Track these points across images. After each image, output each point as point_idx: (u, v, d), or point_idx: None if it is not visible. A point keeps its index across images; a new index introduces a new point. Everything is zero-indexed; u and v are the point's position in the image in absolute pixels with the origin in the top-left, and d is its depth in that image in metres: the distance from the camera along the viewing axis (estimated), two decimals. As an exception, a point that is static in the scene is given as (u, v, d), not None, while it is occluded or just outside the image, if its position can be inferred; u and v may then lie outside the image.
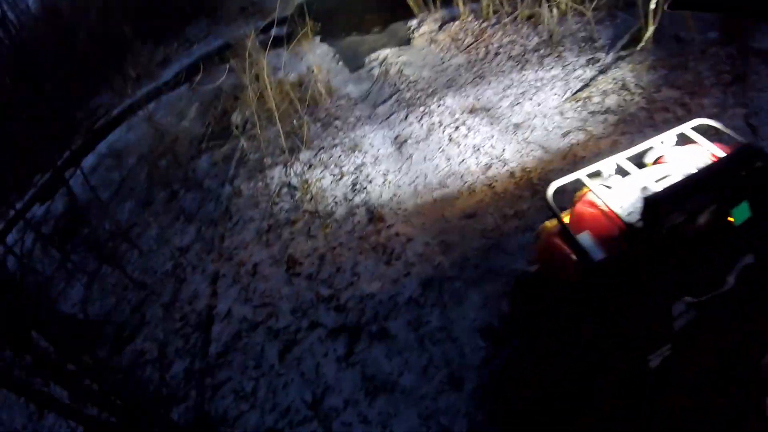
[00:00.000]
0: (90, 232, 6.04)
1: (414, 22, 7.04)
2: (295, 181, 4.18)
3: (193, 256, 4.11)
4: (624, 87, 4.24)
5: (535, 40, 5.24)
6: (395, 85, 5.40)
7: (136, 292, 4.35)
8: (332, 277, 3.26)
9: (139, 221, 5.50)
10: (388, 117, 4.81)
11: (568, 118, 4.08)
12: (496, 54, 5.25)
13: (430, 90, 4.98)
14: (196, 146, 6.08)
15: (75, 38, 13.18)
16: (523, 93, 4.44)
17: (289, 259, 3.41)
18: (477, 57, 5.37)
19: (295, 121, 5.10)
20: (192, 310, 3.68)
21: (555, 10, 5.06)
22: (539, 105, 4.30)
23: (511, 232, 3.24)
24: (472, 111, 4.39)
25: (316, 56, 7.23)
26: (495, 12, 5.94)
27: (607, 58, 4.64)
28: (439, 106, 4.60)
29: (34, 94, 12.01)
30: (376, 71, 5.99)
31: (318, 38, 7.88)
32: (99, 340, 4.52)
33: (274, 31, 9.41)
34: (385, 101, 5.18)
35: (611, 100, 4.15)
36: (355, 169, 4.12)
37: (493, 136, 4.04)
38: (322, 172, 4.18)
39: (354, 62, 6.65)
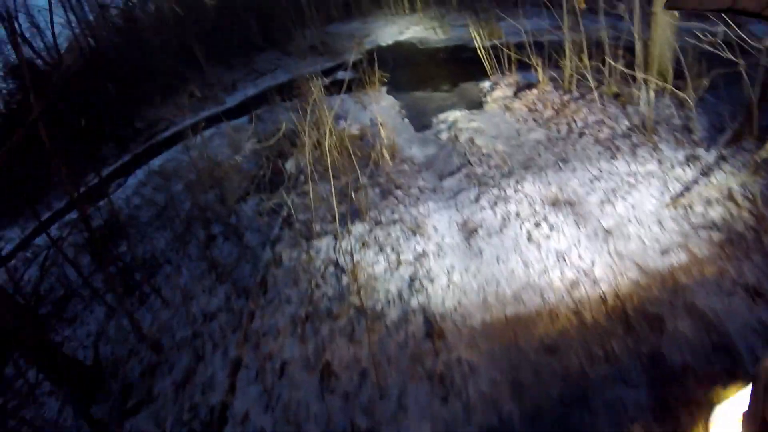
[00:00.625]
0: (123, 254, 5.67)
1: (486, 84, 6.51)
2: (343, 260, 3.60)
3: (217, 330, 3.55)
4: (730, 197, 3.50)
5: (625, 123, 4.56)
6: (465, 155, 4.81)
7: (150, 352, 3.85)
8: (373, 402, 2.61)
9: (171, 258, 5.07)
10: (456, 194, 4.19)
11: (667, 229, 3.35)
12: (581, 134, 4.60)
13: (506, 168, 4.35)
14: (244, 187, 5.65)
15: (148, 48, 13.43)
16: (614, 189, 3.75)
17: (324, 367, 2.80)
18: (558, 134, 4.73)
19: (351, 181, 4.58)
20: (204, 401, 3.10)
21: (646, 91, 4.41)
22: (634, 207, 3.59)
23: (600, 383, 2.52)
24: (555, 203, 3.73)
25: (381, 108, 6.77)
26: (578, 84, 5.34)
27: (708, 156, 3.91)
28: (516, 192, 3.96)
29: (99, 94, 12.14)
30: (444, 135, 5.44)
31: (385, 89, 7.47)
32: (102, 394, 4.03)
33: (340, 75, 9.16)
34: (453, 173, 4.58)
35: (715, 212, 3.42)
36: (415, 258, 3.49)
37: (580, 242, 3.35)
38: (376, 255, 3.57)
39: (420, 120, 6.13)
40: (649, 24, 4.80)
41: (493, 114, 5.66)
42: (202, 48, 13.49)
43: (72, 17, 13.88)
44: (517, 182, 4.05)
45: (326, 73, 8.83)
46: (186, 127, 9.58)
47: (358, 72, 7.79)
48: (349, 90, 7.61)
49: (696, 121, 4.19)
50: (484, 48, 6.39)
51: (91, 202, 7.42)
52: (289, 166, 5.67)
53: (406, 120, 6.29)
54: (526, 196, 3.84)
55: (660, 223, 3.45)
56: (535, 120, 5.16)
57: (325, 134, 4.79)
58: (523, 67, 6.08)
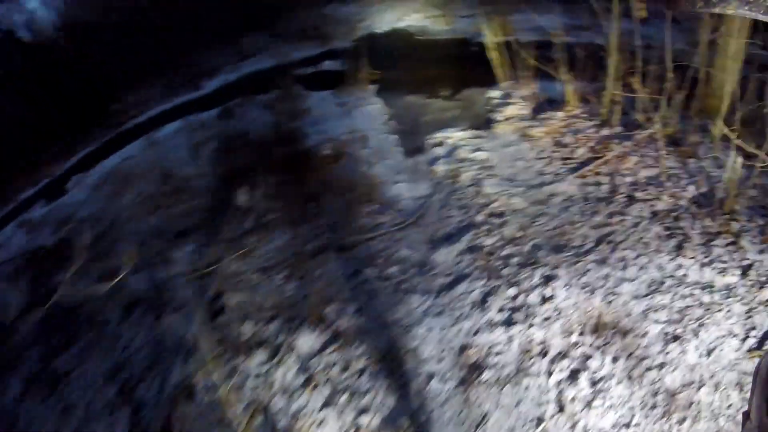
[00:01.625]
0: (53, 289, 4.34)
1: (496, 94, 5.06)
2: (277, 404, 2.33)
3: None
4: None
5: (691, 189, 3.22)
6: (467, 207, 3.48)
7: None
8: None
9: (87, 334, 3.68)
10: (454, 285, 2.87)
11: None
12: (631, 198, 3.25)
13: (526, 246, 3.01)
14: (185, 224, 4.32)
15: (126, 23, 11.64)
16: (682, 314, 2.45)
17: None
18: (599, 191, 3.39)
19: (305, 240, 3.29)
20: None
21: (732, 153, 3.05)
22: (708, 354, 2.31)
23: None
24: (598, 330, 2.43)
25: (366, 115, 5.39)
26: (623, 114, 3.96)
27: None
28: (542, 300, 2.64)
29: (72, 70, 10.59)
30: (441, 167, 4.07)
31: (374, 88, 6.03)
32: None
33: (327, 64, 7.61)
34: (450, 239, 3.25)
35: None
36: (385, 421, 2.22)
37: (633, 414, 2.11)
38: (323, 409, 2.31)
39: (411, 139, 4.72)
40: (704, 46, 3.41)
41: (507, 141, 4.28)
42: (185, 26, 11.76)
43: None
44: (545, 280, 2.73)
45: (313, 60, 7.27)
46: (156, 115, 8.08)
47: (346, 63, 6.38)
48: (333, 86, 6.19)
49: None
50: (494, 45, 4.96)
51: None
52: (242, 198, 4.32)
53: (395, 137, 4.90)
54: (557, 312, 2.54)
55: (740, 385, 2.20)
56: (564, 161, 3.79)
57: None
58: (542, 75, 4.68)
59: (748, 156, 2.95)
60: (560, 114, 4.28)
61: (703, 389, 2.18)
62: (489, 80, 5.14)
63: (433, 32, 8.38)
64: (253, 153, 5.08)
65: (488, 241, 3.15)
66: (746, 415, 1.15)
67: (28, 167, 6.90)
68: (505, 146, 4.18)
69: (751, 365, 2.25)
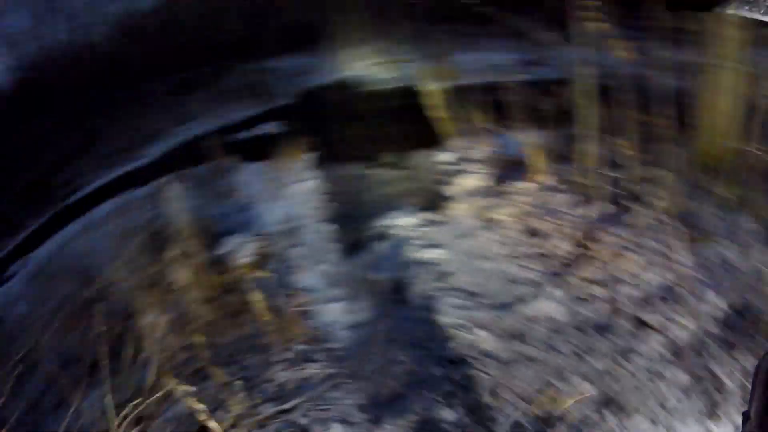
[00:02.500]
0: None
1: (448, 157, 4.14)
2: None
3: None
4: None
5: (722, 307, 2.27)
6: (420, 346, 2.51)
7: None
8: None
9: None
10: None
11: None
12: (639, 322, 2.28)
13: (504, 424, 2.03)
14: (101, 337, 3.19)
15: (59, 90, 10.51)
16: None
17: None
18: (594, 314, 2.41)
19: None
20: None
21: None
22: None
23: None
24: None
25: (299, 197, 4.41)
26: (612, 183, 3.03)
27: None
28: None
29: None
30: (383, 275, 3.10)
31: (311, 157, 5.09)
32: None
33: (266, 128, 6.59)
34: (397, 404, 2.26)
35: None
36: None
37: None
38: None
39: (350, 229, 3.71)
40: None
41: (465, 229, 3.31)
42: (125, 88, 10.60)
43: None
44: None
45: (249, 123, 6.10)
46: (93, 190, 6.96)
47: (283, 126, 5.38)
48: (268, 155, 5.16)
49: None
50: (437, 94, 4.08)
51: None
52: (144, 320, 3.21)
53: (331, 226, 3.91)
54: None
55: None
56: (541, 259, 2.83)
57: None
58: (502, 127, 3.81)
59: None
60: (529, 186, 3.33)
61: None
62: (438, 139, 4.22)
63: (375, 82, 7.51)
64: (173, 255, 4.01)
65: (449, 416, 2.13)
66: (746, 415, 1.09)
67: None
68: (464, 237, 3.21)
69: None
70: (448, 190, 3.71)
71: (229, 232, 4.28)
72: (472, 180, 3.69)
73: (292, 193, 4.42)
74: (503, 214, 3.25)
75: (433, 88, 4.01)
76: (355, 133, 5.54)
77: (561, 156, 3.37)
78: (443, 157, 4.25)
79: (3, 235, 7.67)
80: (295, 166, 4.90)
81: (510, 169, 3.72)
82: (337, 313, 2.95)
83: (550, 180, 3.35)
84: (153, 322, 2.84)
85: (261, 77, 8.95)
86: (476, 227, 3.26)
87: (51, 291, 4.62)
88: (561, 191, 3.23)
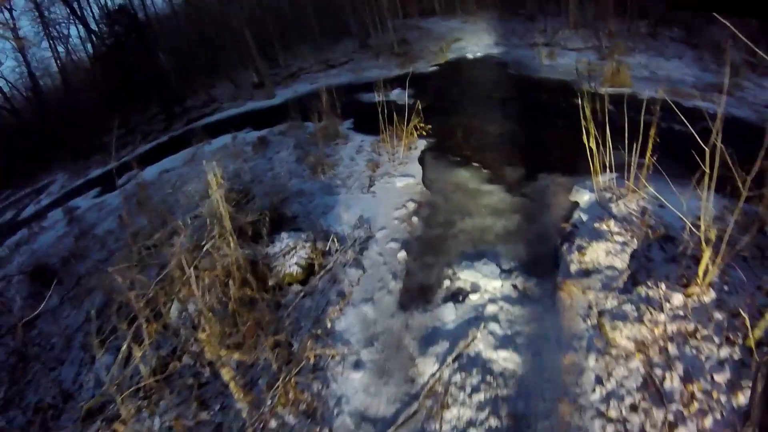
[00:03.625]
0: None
1: (581, 199, 3.04)
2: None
3: None
4: None
5: None
6: None
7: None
8: None
9: None
10: None
11: None
12: None
13: None
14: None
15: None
16: None
17: None
18: None
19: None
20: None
21: None
22: None
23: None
24: None
25: (392, 194, 3.66)
26: None
27: None
28: None
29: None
30: (432, 360, 2.24)
31: (420, 147, 4.28)
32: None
33: (395, 94, 5.81)
34: None
35: None
36: None
37: None
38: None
39: (425, 263, 2.87)
40: None
41: (568, 335, 2.29)
42: (277, 34, 10.71)
43: None
44: None
45: (385, 83, 5.36)
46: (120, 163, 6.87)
47: (413, 96, 4.56)
48: (380, 129, 4.38)
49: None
50: (592, 101, 2.93)
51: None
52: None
53: (404, 252, 3.06)
54: None
55: None
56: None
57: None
58: (667, 163, 2.54)
59: None
60: (677, 299, 2.12)
61: None
62: (582, 162, 3.07)
63: (530, 68, 6.29)
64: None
65: None
66: (746, 415, 1.17)
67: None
68: (559, 346, 2.16)
69: None
70: (561, 260, 2.61)
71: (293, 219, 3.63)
72: (599, 250, 2.56)
73: (381, 193, 3.65)
74: (627, 335, 2.09)
75: (587, 94, 2.88)
76: (484, 123, 4.52)
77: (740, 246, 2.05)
78: (580, 194, 3.11)
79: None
80: (400, 157, 4.14)
81: (659, 245, 2.48)
82: (351, 390, 2.16)
83: (707, 297, 2.07)
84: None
85: (406, 36, 8.10)
86: (581, 336, 2.16)
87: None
88: (720, 323, 1.97)
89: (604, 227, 2.75)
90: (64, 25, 10.58)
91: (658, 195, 2.48)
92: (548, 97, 5.06)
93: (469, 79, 6.36)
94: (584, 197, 3.15)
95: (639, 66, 5.87)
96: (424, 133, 4.27)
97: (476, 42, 8.12)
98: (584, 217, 2.94)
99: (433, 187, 3.64)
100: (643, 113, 2.60)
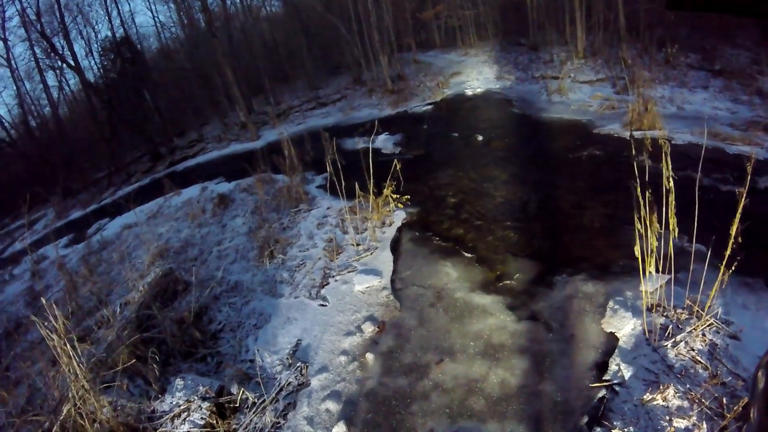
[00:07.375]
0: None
1: (629, 330, 1.90)
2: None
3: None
4: None
5: None
6: None
7: None
8: None
9: None
10: None
11: None
12: None
13: None
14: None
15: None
16: None
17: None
18: None
19: None
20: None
21: None
22: None
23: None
24: None
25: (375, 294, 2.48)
26: None
27: None
28: None
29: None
30: None
31: (396, 222, 3.12)
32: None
33: (381, 140, 4.67)
34: None
35: None
36: None
37: None
38: None
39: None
40: None
41: None
42: (270, 70, 9.94)
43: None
44: None
45: (371, 128, 4.15)
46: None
47: (400, 144, 3.46)
48: (355, 192, 3.24)
49: None
50: (632, 147, 1.74)
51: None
52: None
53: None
54: None
55: None
56: None
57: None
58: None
59: None
60: None
61: None
62: (612, 256, 1.91)
63: (535, 107, 5.08)
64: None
65: None
66: (747, 415, 1.11)
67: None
68: None
69: None
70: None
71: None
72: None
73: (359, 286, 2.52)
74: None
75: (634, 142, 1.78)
76: (485, 185, 3.35)
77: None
78: (618, 323, 1.91)
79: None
80: (372, 243, 2.97)
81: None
82: None
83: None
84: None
85: (402, 71, 7.06)
86: None
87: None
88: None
89: (659, 401, 1.55)
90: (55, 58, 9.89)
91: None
92: (562, 145, 3.88)
93: (467, 120, 5.23)
94: (625, 326, 1.96)
95: (663, 100, 4.73)
96: (401, 206, 3.12)
97: (476, 76, 7.01)
98: (626, 372, 1.75)
99: (404, 296, 2.46)
100: (699, 173, 1.43)
